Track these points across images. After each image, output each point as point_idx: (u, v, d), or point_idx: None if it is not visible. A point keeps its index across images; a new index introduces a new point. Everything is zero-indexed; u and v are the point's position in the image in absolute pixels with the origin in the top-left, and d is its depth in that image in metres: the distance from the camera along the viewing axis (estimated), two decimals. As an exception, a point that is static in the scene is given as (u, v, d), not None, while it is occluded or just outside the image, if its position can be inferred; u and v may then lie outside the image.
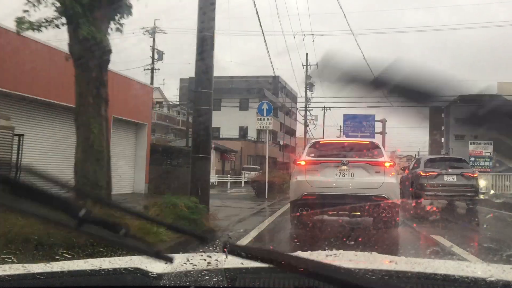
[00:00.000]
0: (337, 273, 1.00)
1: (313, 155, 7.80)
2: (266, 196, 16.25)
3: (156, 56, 37.51)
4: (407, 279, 1.20)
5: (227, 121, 46.33)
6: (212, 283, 1.18)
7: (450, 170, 13.40)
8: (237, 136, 44.98)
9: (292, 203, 7.80)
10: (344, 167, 7.35)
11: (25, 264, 1.41)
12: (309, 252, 1.67)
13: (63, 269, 1.38)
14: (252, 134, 46.92)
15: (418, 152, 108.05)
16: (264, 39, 25.20)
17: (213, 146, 31.54)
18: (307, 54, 40.39)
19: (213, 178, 32.15)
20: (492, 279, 1.18)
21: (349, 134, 50.54)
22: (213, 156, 37.11)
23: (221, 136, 46.12)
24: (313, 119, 43.57)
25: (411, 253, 5.50)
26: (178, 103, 50.65)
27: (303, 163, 7.65)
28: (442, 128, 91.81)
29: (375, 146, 8.14)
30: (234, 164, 42.73)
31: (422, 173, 13.32)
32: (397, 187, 7.75)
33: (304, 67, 42.25)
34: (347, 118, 49.77)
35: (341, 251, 1.71)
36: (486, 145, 54.60)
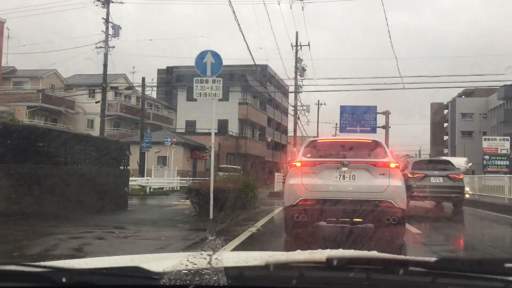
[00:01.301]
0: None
1: (310, 155, 7.01)
2: (211, 216, 9.33)
3: (111, 31, 30.32)
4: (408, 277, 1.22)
5: (204, 113, 39.41)
6: (212, 282, 1.18)
7: (437, 172, 13.84)
8: (216, 131, 38.03)
9: (287, 209, 6.96)
10: (344, 169, 6.61)
11: (25, 263, 1.40)
12: (309, 251, 1.62)
13: (63, 268, 1.37)
14: (233, 129, 39.97)
15: (419, 151, 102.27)
16: (231, 4, 18.20)
17: (174, 140, 24.69)
18: (297, 32, 33.52)
19: (175, 181, 25.27)
20: (495, 277, 1.21)
21: (346, 128, 44.25)
22: (181, 154, 30.19)
23: (196, 131, 39.20)
24: (304, 110, 36.70)
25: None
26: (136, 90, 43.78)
27: (298, 164, 6.86)
28: (445, 125, 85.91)
29: (378, 145, 7.30)
30: (210, 163, 35.74)
31: (409, 175, 13.62)
32: (404, 191, 6.82)
33: (294, 47, 35.41)
34: (344, 110, 43.15)
35: (341, 250, 1.65)
36: (502, 141, 48.13)
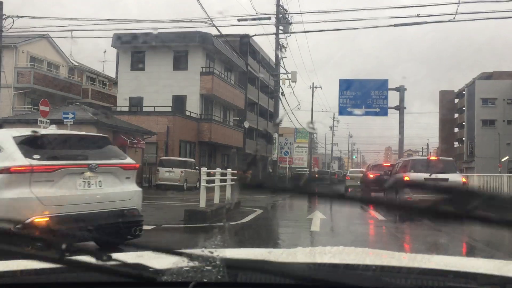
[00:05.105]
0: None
1: (39, 156, 5.13)
2: None
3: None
4: (408, 274, 1.23)
5: (154, 87, 28.78)
6: (214, 279, 1.19)
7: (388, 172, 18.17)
8: (170, 109, 27.25)
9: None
10: (89, 174, 5.37)
11: (28, 260, 1.41)
12: (310, 248, 1.67)
13: (65, 265, 1.38)
14: (194, 108, 29.30)
15: (428, 145, 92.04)
16: None
17: (45, 108, 14.06)
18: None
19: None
20: (492, 273, 1.23)
21: (347, 110, 33.57)
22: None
23: (144, 109, 28.50)
24: (289, 79, 26.13)
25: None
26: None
27: (24, 168, 4.97)
28: (456, 115, 75.63)
29: (107, 142, 6.10)
30: (160, 154, 24.99)
31: (370, 175, 21.07)
32: None
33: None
34: (345, 85, 32.63)
35: (341, 247, 1.63)
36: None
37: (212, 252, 1.27)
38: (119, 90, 31.05)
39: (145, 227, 8.27)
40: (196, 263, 1.23)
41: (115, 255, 1.36)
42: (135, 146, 21.71)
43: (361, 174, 32.23)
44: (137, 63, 30.27)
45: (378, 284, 1.16)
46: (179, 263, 1.24)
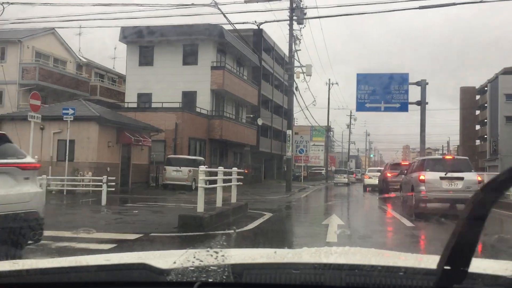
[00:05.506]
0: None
1: None
2: None
3: None
4: (413, 275, 1.20)
5: (163, 83, 27.61)
6: (219, 279, 1.19)
7: (405, 171, 17.68)
8: (179, 105, 26.02)
9: None
10: None
11: (33, 260, 1.45)
12: (315, 248, 1.60)
13: (70, 265, 1.42)
14: (205, 105, 28.05)
15: (448, 142, 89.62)
16: None
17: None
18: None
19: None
20: (498, 274, 1.22)
21: (366, 106, 31.89)
22: (95, 136, 18.45)
23: (153, 106, 27.32)
24: (303, 73, 24.71)
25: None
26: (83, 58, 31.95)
27: None
28: (477, 112, 73.29)
29: (4, 139, 5.62)
30: (168, 152, 23.78)
31: (388, 174, 22.21)
32: None
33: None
34: (362, 80, 31.03)
35: (347, 247, 1.60)
36: None
37: (217, 252, 1.26)
38: (127, 86, 30.00)
39: (130, 237, 7.05)
40: (201, 263, 1.22)
41: (120, 255, 1.37)
42: (140, 144, 20.54)
43: (380, 173, 31.31)
44: (145, 58, 29.15)
45: (383, 285, 1.15)
46: (184, 263, 1.23)
